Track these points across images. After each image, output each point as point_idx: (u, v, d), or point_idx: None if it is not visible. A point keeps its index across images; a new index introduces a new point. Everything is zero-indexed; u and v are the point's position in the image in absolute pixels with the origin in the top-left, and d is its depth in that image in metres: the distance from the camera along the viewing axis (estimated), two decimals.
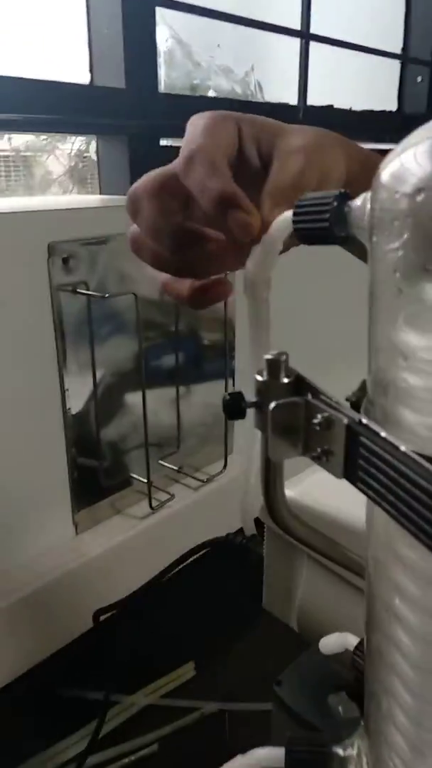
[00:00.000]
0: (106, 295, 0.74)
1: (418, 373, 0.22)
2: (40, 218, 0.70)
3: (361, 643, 0.34)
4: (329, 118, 1.28)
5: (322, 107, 1.27)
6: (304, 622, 0.46)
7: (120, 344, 0.81)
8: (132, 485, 0.89)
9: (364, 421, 0.22)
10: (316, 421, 0.24)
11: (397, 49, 1.50)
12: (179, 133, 1.04)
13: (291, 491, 0.47)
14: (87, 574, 0.79)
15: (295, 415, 0.25)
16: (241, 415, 0.27)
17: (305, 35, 1.11)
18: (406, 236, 0.20)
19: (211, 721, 0.84)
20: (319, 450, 0.24)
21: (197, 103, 1.02)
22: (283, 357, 0.26)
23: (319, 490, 0.44)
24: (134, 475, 0.89)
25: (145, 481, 0.86)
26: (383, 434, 0.21)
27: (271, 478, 0.28)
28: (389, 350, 0.22)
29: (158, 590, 0.79)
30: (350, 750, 0.29)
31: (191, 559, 0.61)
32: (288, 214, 0.28)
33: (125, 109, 0.86)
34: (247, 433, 0.41)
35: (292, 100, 1.18)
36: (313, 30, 1.12)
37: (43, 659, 0.76)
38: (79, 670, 0.80)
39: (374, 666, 0.27)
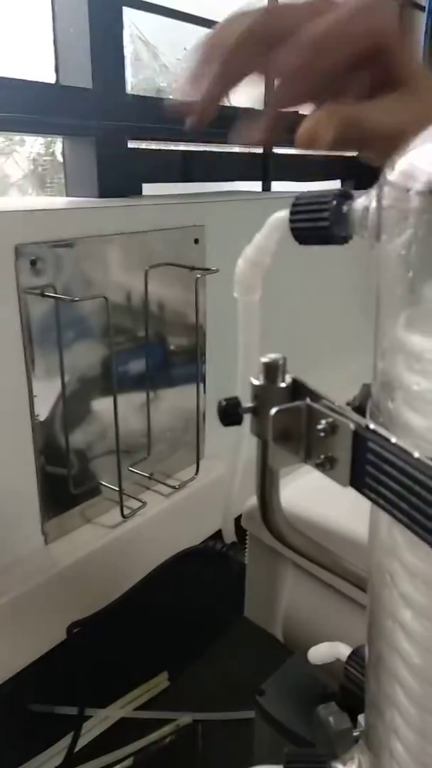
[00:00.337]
0: (76, 298, 0.72)
1: (427, 376, 0.21)
2: (7, 219, 0.68)
3: (354, 653, 0.33)
4: (296, 124, 1.28)
5: (287, 113, 1.27)
6: (290, 632, 0.45)
7: (88, 349, 0.80)
8: (102, 493, 0.87)
9: (372, 426, 0.22)
10: (320, 426, 0.23)
11: None
12: (147, 134, 1.02)
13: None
14: (58, 585, 0.76)
15: (296, 421, 0.24)
16: (238, 421, 0.26)
17: None
18: (419, 234, 0.19)
19: (185, 732, 0.82)
20: (322, 457, 0.24)
21: (164, 105, 1.01)
22: (281, 360, 0.26)
23: (303, 496, 0.43)
24: (104, 483, 0.87)
25: (116, 488, 0.84)
26: (393, 440, 0.21)
27: (268, 486, 0.27)
28: (396, 351, 0.22)
29: (132, 598, 0.77)
30: (350, 765, 0.28)
31: (168, 566, 0.60)
32: (282, 213, 0.27)
33: (92, 109, 0.84)
34: (232, 439, 0.41)
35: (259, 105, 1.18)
36: None
37: (15, 674, 0.73)
38: (52, 683, 0.78)
39: (377, 677, 0.26)
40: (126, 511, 0.85)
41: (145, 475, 0.93)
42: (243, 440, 0.41)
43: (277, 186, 1.21)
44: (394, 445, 0.21)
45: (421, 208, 0.19)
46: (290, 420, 0.24)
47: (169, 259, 0.85)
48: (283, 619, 0.45)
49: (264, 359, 0.26)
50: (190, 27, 0.97)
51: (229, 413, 0.26)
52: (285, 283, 0.94)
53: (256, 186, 1.19)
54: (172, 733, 0.81)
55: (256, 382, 0.26)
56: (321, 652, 0.35)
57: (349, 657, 0.33)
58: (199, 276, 0.86)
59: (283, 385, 0.26)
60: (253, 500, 0.47)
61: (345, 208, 0.24)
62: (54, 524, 0.81)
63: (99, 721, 0.81)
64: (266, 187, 1.19)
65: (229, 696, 0.85)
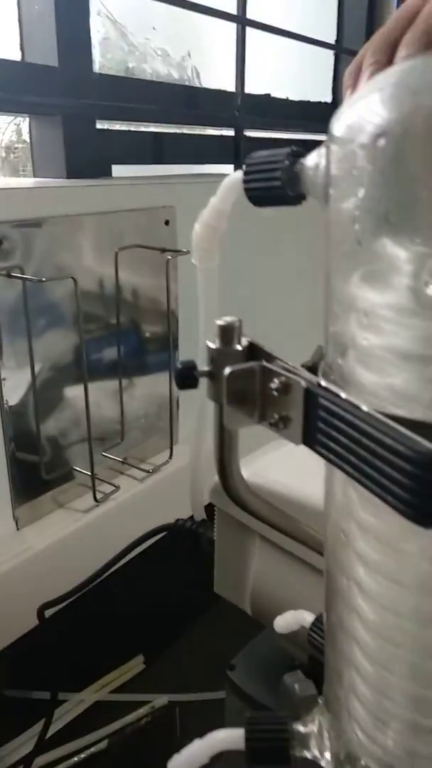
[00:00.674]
0: (43, 279, 0.71)
1: (377, 332, 0.21)
2: None
3: (317, 620, 0.34)
4: (266, 106, 1.28)
5: (259, 96, 1.27)
6: (257, 605, 0.45)
7: (59, 336, 0.79)
8: (75, 478, 0.86)
9: (323, 383, 0.22)
10: (273, 386, 0.23)
11: (332, 40, 1.51)
12: (116, 115, 1.00)
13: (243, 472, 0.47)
14: (30, 570, 0.76)
15: (250, 382, 0.24)
16: (194, 384, 0.26)
17: (241, 20, 1.11)
18: (365, 187, 0.19)
19: (161, 714, 0.83)
20: (276, 417, 0.24)
21: (133, 84, 1.00)
22: (236, 323, 0.25)
23: (270, 471, 0.43)
24: (77, 468, 0.86)
25: (89, 473, 0.84)
26: (344, 395, 0.21)
27: (226, 449, 0.27)
28: (347, 309, 0.22)
29: (105, 582, 0.77)
30: (311, 726, 0.28)
31: (141, 546, 0.60)
32: (237, 174, 0.27)
33: (59, 88, 0.83)
34: (195, 417, 0.40)
35: (230, 87, 1.17)
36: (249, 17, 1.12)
37: None
38: (26, 668, 0.77)
39: (334, 638, 0.26)
40: (99, 496, 0.85)
41: (118, 460, 0.92)
42: (208, 417, 0.41)
43: None
44: (344, 400, 0.21)
45: (367, 159, 0.19)
46: (245, 381, 0.24)
47: (139, 241, 0.84)
48: (251, 593, 0.45)
49: (219, 322, 0.25)
50: (159, 6, 0.96)
51: (185, 376, 0.25)
52: (243, 248, 0.94)
53: (227, 169, 1.19)
54: (147, 714, 0.81)
55: (212, 346, 0.26)
56: (286, 620, 0.35)
57: (313, 623, 0.33)
58: (169, 257, 0.85)
59: (239, 348, 0.26)
60: None
61: (297, 167, 0.24)
62: (26, 509, 0.80)
63: (74, 705, 0.81)
64: (238, 170, 1.19)
65: (206, 677, 0.85)
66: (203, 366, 0.26)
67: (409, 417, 0.20)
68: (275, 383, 0.23)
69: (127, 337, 0.90)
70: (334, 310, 0.23)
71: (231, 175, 0.27)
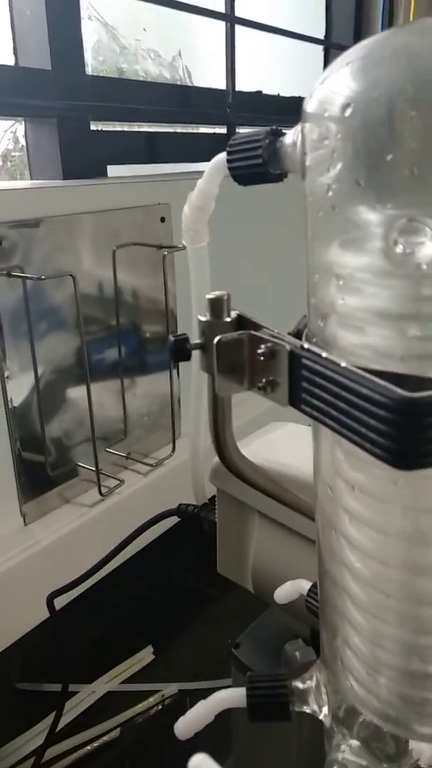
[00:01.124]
0: (43, 277, 0.72)
1: (355, 294, 0.22)
2: None
3: (313, 585, 0.35)
4: (257, 103, 1.30)
5: (250, 93, 1.28)
6: (259, 581, 0.46)
7: (60, 338, 0.80)
8: (80, 474, 0.88)
9: (306, 345, 0.23)
10: (260, 351, 0.25)
11: (321, 35, 1.53)
12: (109, 116, 1.02)
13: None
14: (39, 565, 0.77)
15: (238, 350, 0.26)
16: (187, 356, 0.27)
17: (230, 18, 1.12)
18: (337, 155, 0.20)
19: (171, 703, 0.84)
20: (264, 381, 0.25)
21: (126, 85, 1.02)
22: (225, 296, 0.27)
23: (264, 451, 0.45)
24: (81, 464, 0.87)
25: (93, 469, 0.85)
26: (324, 354, 0.22)
27: (220, 418, 0.29)
28: (326, 274, 0.23)
29: (113, 574, 0.78)
30: (309, 682, 0.30)
31: (147, 533, 0.61)
32: (221, 156, 0.28)
33: (52, 91, 0.84)
34: (193, 402, 0.42)
35: (221, 85, 1.18)
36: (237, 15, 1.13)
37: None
38: (37, 661, 0.79)
39: (327, 594, 0.28)
40: (104, 490, 0.86)
41: (122, 455, 0.93)
42: (204, 401, 0.42)
43: None
44: (325, 359, 0.22)
45: (338, 127, 0.20)
46: (234, 350, 0.26)
47: (136, 239, 0.86)
48: (252, 571, 0.46)
49: (209, 296, 0.27)
50: (148, 7, 0.98)
51: (179, 349, 0.27)
52: (231, 227, 0.95)
53: None
54: (158, 703, 0.83)
55: (202, 319, 0.27)
56: (286, 591, 0.37)
57: (309, 589, 0.35)
58: (166, 253, 0.87)
59: (228, 319, 0.27)
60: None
61: (277, 144, 0.25)
62: (32, 506, 0.82)
63: (85, 696, 0.82)
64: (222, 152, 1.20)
65: (214, 665, 0.86)
66: (196, 339, 0.28)
67: (386, 370, 0.21)
68: (262, 349, 0.25)
69: (128, 336, 0.91)
70: (315, 279, 0.24)
71: (216, 157, 0.29)
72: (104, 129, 0.98)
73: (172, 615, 0.92)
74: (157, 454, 0.98)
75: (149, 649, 0.89)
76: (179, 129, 1.10)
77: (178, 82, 1.14)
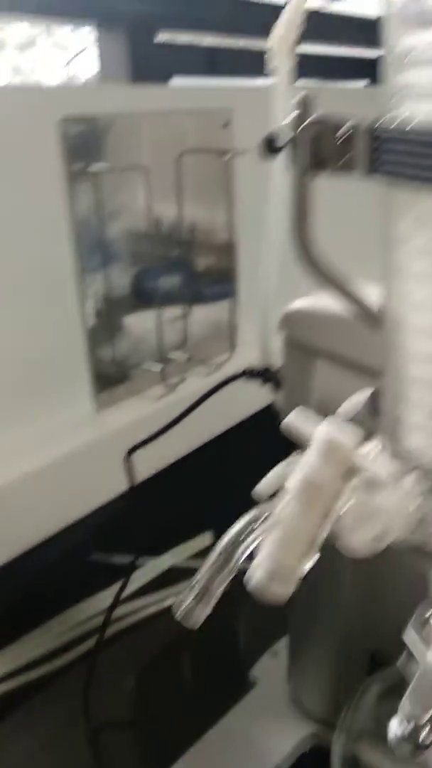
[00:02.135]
0: (115, 170, 0.77)
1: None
2: (49, 94, 0.72)
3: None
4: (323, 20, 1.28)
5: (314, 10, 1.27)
6: None
7: (129, 238, 0.85)
8: (145, 374, 0.94)
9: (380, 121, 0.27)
10: (339, 135, 0.29)
11: None
12: (176, 25, 1.03)
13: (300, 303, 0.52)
14: (111, 446, 0.84)
15: (323, 135, 0.30)
16: (278, 150, 0.31)
17: None
18: None
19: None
20: (344, 158, 0.29)
21: None
22: (312, 94, 0.31)
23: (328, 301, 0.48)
24: (146, 367, 0.93)
25: (158, 368, 0.91)
26: (396, 123, 0.26)
27: (301, 214, 0.33)
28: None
29: (184, 460, 0.85)
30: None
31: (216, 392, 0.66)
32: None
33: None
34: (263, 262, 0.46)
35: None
36: None
37: (69, 524, 0.81)
38: (106, 535, 0.86)
39: (389, 363, 0.32)
40: (167, 386, 0.92)
41: (184, 359, 0.99)
42: (275, 258, 0.46)
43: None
44: (398, 126, 0.26)
45: None
46: (318, 134, 0.30)
47: (200, 145, 0.89)
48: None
49: (298, 96, 0.31)
50: None
51: (270, 141, 0.31)
52: None
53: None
54: None
55: (291, 117, 0.31)
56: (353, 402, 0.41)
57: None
58: (229, 158, 0.90)
59: (313, 117, 0.31)
60: (288, 305, 0.53)
61: None
62: (104, 396, 0.88)
63: (150, 569, 0.90)
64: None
65: None
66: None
67: None
68: (341, 132, 0.29)
69: (184, 269, 0.95)
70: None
71: None
72: (169, 40, 1.00)
73: (233, 507, 0.99)
74: (216, 360, 1.04)
75: (210, 534, 0.96)
76: (242, 43, 1.12)
77: None
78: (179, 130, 0.87)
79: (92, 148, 0.76)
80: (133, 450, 0.65)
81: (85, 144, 0.75)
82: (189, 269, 0.97)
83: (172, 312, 0.94)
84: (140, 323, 0.89)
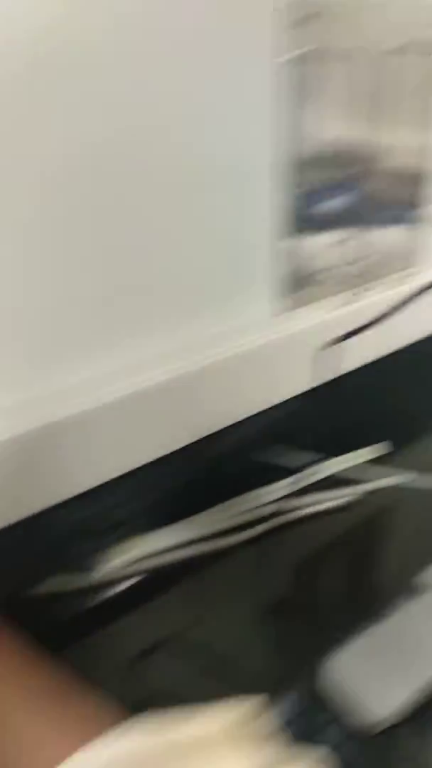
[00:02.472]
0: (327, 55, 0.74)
1: None
2: None
3: None
4: None
5: None
6: None
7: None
8: (323, 282, 0.93)
9: None
10: None
11: None
12: None
13: None
14: (288, 347, 0.85)
15: None
16: None
17: None
18: None
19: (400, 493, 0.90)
20: None
21: None
22: None
23: None
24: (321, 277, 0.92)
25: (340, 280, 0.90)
26: None
27: None
28: None
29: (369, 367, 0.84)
30: None
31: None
32: None
33: None
34: None
35: None
36: None
37: (252, 415, 0.85)
38: (287, 432, 0.88)
39: None
40: (354, 292, 0.92)
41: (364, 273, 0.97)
42: None
43: None
44: None
45: None
46: None
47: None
48: None
49: None
50: None
51: None
52: None
53: None
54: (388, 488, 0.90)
55: None
56: None
57: None
58: None
59: None
60: None
61: None
62: (287, 300, 0.89)
63: (326, 468, 0.92)
64: None
65: None
66: None
67: None
68: None
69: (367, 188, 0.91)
70: None
71: None
72: None
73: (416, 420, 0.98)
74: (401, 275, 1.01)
75: (387, 444, 0.96)
76: None
77: None
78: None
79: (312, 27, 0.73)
80: (326, 346, 0.65)
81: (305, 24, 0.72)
82: (367, 191, 0.94)
83: (352, 233, 0.93)
84: (322, 241, 0.88)
